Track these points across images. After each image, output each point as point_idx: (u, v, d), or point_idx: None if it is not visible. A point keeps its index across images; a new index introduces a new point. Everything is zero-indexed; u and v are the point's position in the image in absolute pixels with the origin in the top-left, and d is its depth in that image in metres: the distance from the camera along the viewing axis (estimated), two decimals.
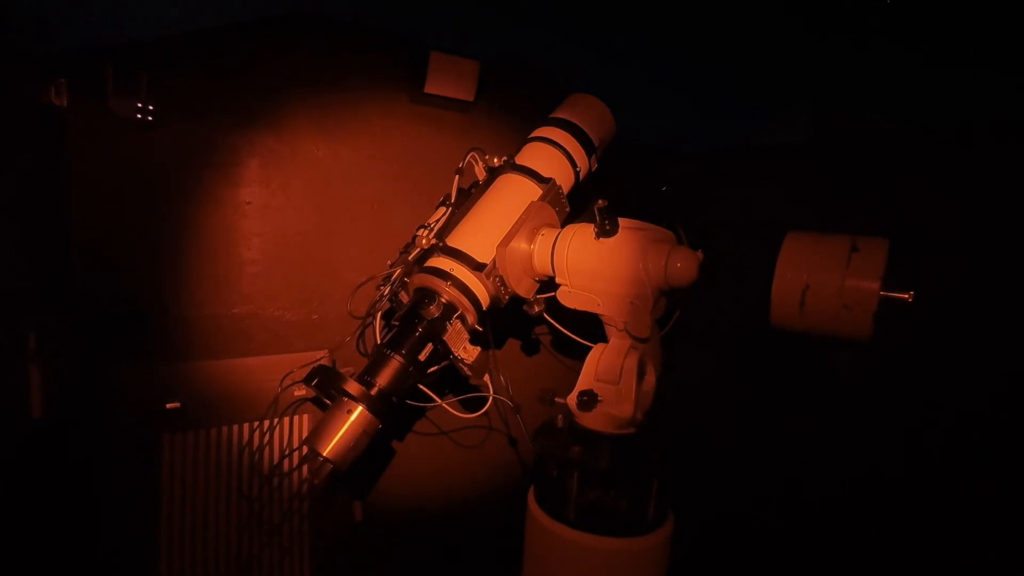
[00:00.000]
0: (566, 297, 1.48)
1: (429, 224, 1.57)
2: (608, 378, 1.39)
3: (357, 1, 1.98)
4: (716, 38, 2.29)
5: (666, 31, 2.33)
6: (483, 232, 1.52)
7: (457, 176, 1.62)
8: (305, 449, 1.39)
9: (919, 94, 1.89)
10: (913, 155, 1.81)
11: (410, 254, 1.54)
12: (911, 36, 1.92)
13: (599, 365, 1.43)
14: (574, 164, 1.71)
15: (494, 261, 1.47)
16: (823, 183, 2.02)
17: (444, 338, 1.42)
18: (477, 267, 1.46)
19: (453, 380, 1.56)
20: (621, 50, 2.38)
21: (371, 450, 1.41)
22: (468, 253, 1.48)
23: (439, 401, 1.55)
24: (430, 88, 2.05)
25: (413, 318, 1.44)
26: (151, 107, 1.66)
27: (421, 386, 1.50)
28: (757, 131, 2.43)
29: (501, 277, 1.47)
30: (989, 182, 1.60)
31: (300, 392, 1.81)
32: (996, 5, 1.73)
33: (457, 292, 1.44)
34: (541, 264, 1.50)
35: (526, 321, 1.59)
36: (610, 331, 1.48)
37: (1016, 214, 1.52)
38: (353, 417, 1.34)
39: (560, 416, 1.52)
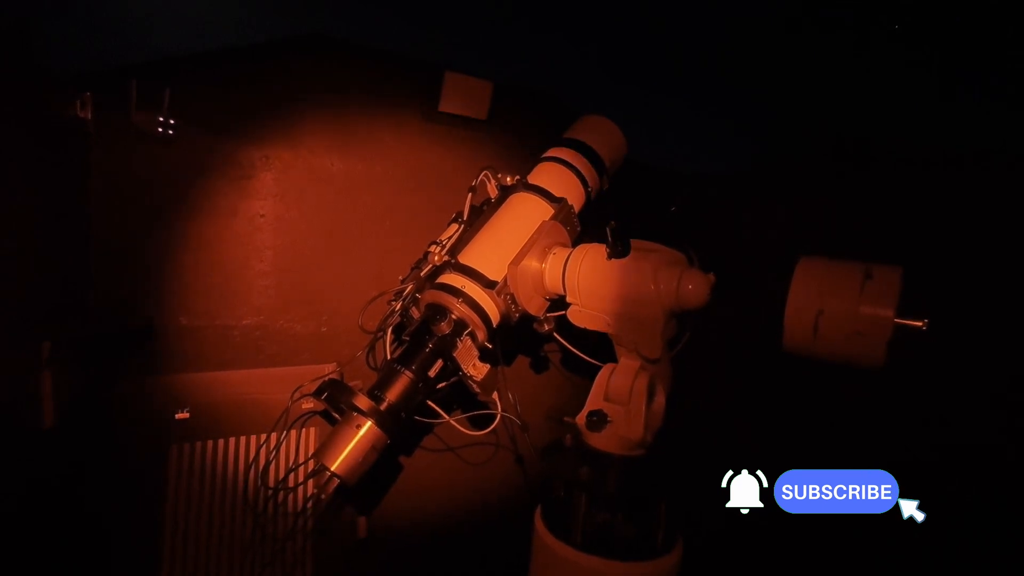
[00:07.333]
0: (577, 316, 1.48)
1: (441, 241, 1.58)
2: (618, 398, 1.39)
3: (375, 21, 2.02)
4: (731, 61, 2.32)
5: (677, 53, 2.36)
6: (495, 250, 1.53)
7: (470, 194, 1.63)
8: (312, 463, 1.39)
9: (932, 114, 1.89)
10: (926, 174, 1.82)
11: (422, 270, 1.54)
12: (922, 55, 1.93)
13: (609, 385, 1.42)
14: (585, 184, 1.73)
15: (505, 279, 1.47)
16: (835, 202, 2.02)
17: (454, 355, 1.42)
18: (488, 284, 1.47)
19: (461, 396, 1.56)
20: (633, 71, 2.42)
21: (377, 466, 1.40)
22: (479, 270, 1.48)
23: (447, 417, 1.54)
24: (444, 107, 2.09)
25: (424, 334, 1.44)
26: (172, 121, 1.70)
27: (429, 402, 1.50)
28: (769, 152, 2.44)
29: (512, 295, 1.48)
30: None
31: (308, 405, 1.81)
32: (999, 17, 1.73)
33: (468, 309, 1.45)
34: (552, 283, 1.50)
35: (536, 339, 1.59)
36: (620, 351, 1.48)
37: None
38: (362, 432, 1.34)
39: (569, 435, 1.51)
